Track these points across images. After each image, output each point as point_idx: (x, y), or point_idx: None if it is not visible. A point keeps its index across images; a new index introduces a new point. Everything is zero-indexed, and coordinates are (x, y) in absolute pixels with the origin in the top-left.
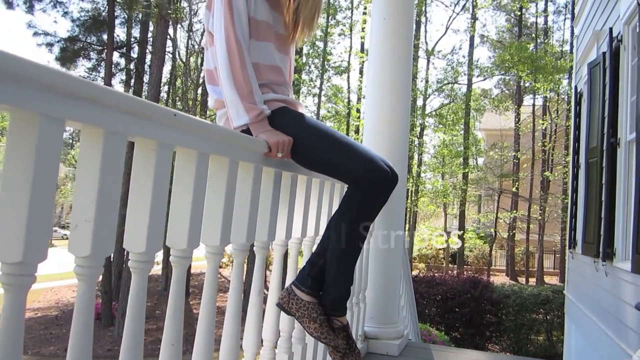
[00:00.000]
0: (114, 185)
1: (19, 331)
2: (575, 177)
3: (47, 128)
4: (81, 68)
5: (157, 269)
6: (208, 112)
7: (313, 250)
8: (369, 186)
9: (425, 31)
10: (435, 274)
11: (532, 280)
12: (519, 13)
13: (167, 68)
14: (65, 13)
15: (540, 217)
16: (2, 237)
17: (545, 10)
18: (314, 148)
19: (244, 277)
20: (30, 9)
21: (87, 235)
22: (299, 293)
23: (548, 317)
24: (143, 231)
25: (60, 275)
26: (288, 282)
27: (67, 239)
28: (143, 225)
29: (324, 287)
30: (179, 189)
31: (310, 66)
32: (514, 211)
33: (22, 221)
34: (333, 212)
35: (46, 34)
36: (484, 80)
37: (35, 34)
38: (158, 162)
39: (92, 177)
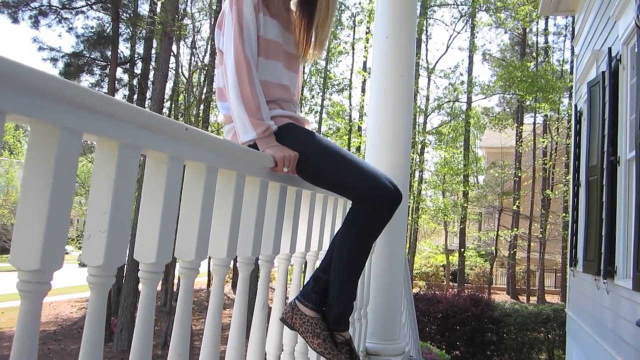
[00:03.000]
0: (127, 196)
1: (34, 338)
2: (576, 195)
3: (66, 140)
4: (85, 83)
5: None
6: (210, 128)
7: (316, 265)
8: (372, 203)
9: (426, 49)
10: (436, 292)
11: (533, 299)
12: (520, 32)
13: (170, 84)
14: (70, 29)
15: (541, 236)
16: (20, 245)
17: (546, 29)
18: (319, 164)
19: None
20: (35, 24)
21: (100, 245)
22: (303, 308)
23: (549, 336)
24: (154, 242)
25: (59, 290)
26: (291, 297)
27: (67, 253)
28: (154, 236)
29: (327, 302)
30: (188, 202)
31: (312, 83)
32: (515, 229)
33: (40, 230)
34: (336, 227)
35: (51, 49)
36: (485, 98)
37: (40, 48)
38: (169, 175)
39: (107, 188)
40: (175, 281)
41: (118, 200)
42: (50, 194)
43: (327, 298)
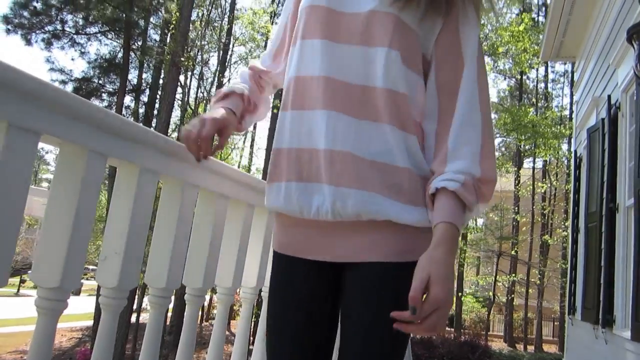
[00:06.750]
0: (144, 221)
1: (48, 353)
2: (575, 241)
3: (93, 163)
4: None
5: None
6: (213, 157)
7: None
8: None
9: None
10: (433, 337)
11: (531, 348)
12: (519, 77)
13: (176, 114)
14: (82, 53)
15: (539, 282)
16: (42, 262)
17: (546, 76)
18: None
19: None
20: (48, 46)
21: (115, 267)
22: None
23: None
24: (164, 268)
25: None
26: None
27: None
28: (165, 262)
29: None
30: (198, 230)
31: None
32: (513, 274)
33: (63, 249)
34: None
35: (62, 71)
36: None
37: (52, 69)
38: (184, 201)
39: (125, 211)
40: (169, 314)
41: (135, 224)
42: (75, 214)
43: None
